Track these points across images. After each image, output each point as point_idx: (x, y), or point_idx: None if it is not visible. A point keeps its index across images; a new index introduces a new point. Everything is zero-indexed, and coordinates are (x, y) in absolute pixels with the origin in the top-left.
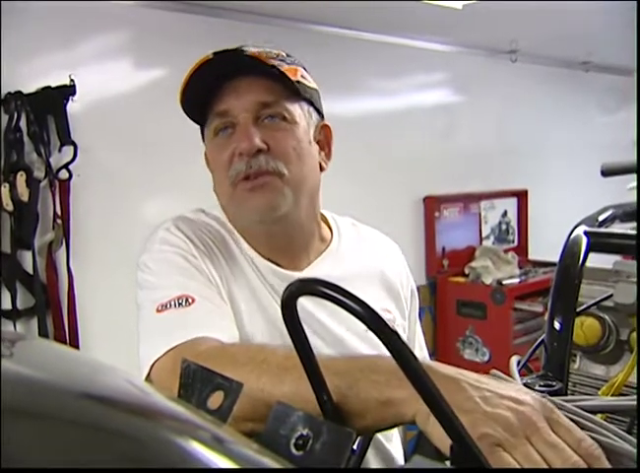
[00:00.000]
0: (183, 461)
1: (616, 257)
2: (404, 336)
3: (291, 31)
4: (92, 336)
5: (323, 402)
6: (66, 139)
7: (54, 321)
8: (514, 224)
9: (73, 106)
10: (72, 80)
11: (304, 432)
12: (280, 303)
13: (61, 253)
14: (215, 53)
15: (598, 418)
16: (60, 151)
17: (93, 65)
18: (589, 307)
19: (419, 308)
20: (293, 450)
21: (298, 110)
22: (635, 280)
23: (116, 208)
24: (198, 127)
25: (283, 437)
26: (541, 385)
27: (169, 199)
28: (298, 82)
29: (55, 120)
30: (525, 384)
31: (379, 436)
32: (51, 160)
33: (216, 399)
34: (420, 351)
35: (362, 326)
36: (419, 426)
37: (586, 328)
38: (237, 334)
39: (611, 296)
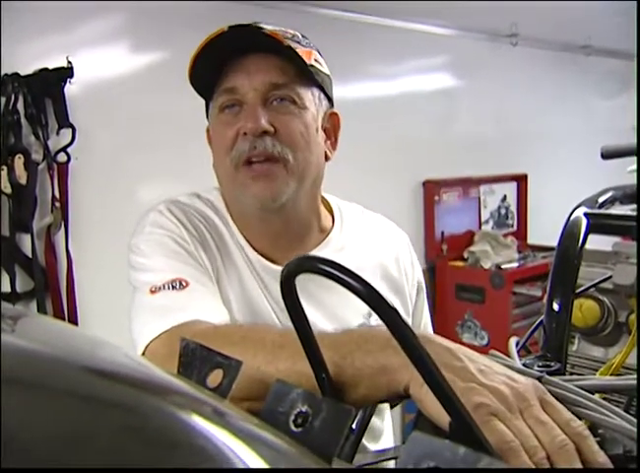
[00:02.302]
0: (185, 433)
1: (616, 239)
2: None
3: (289, 12)
4: (91, 318)
5: (321, 379)
6: (64, 122)
7: (53, 304)
8: (513, 208)
9: (71, 89)
10: (69, 62)
11: (303, 409)
12: (268, 300)
13: (60, 236)
14: (230, 27)
15: (595, 396)
16: (58, 134)
17: (91, 48)
18: (588, 289)
19: None
20: (292, 427)
21: (309, 95)
22: (634, 261)
23: (115, 191)
24: (199, 110)
25: (282, 414)
26: (539, 366)
27: (169, 182)
28: (312, 66)
29: (53, 103)
30: (524, 364)
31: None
32: (49, 142)
33: (215, 377)
34: None
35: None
36: (413, 394)
37: (585, 310)
38: (229, 318)
39: (610, 277)
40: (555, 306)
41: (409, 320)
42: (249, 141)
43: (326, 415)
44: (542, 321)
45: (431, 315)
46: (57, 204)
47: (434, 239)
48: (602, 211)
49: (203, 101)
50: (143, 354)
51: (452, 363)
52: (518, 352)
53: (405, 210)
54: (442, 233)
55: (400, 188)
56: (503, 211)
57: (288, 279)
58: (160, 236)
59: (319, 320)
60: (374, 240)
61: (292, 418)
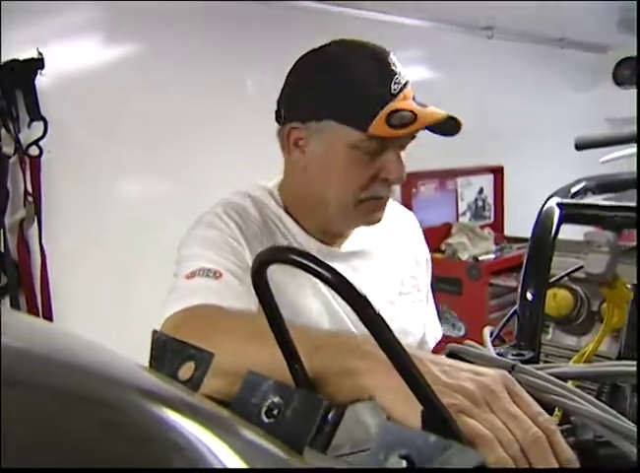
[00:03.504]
0: (155, 426)
1: (588, 229)
2: (421, 302)
3: (262, 7)
4: (65, 314)
5: (295, 371)
6: (35, 114)
7: (27, 300)
8: (490, 200)
9: (43, 82)
10: (40, 53)
11: (275, 400)
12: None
13: (33, 231)
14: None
15: (567, 384)
16: (30, 127)
17: (63, 40)
18: (560, 278)
19: None
20: (264, 418)
21: None
22: (606, 250)
23: (90, 185)
24: (173, 105)
25: (254, 405)
26: (513, 354)
27: (143, 175)
28: None
29: (24, 95)
30: (498, 354)
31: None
32: (20, 136)
33: (187, 370)
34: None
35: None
36: (377, 399)
37: (558, 300)
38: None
39: (582, 267)
40: (529, 296)
41: (426, 291)
42: (388, 189)
43: (297, 405)
44: (515, 311)
45: None
46: (30, 198)
47: None
48: (574, 201)
49: (176, 96)
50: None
51: None
52: (492, 341)
53: None
54: (420, 225)
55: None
56: (480, 203)
57: (260, 270)
58: (212, 234)
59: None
60: (392, 220)
61: (264, 409)
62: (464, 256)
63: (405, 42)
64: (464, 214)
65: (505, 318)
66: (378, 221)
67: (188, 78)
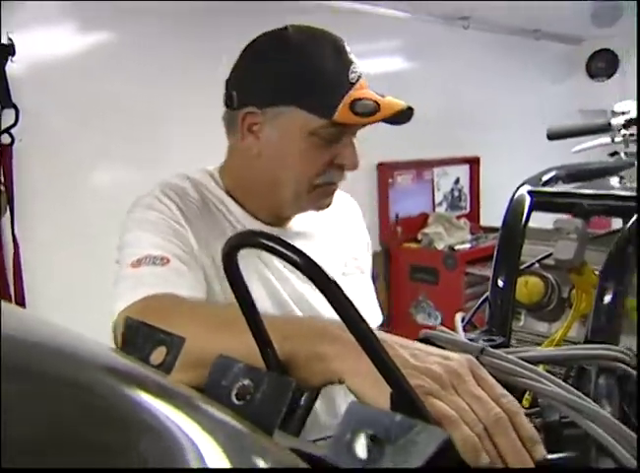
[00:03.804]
0: (128, 407)
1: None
2: (364, 284)
3: None
4: (40, 302)
5: (267, 357)
6: (6, 102)
7: (0, 289)
8: (466, 191)
9: (16, 69)
10: (10, 39)
11: (245, 382)
12: (265, 260)
13: (5, 220)
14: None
15: (534, 367)
16: (0, 114)
17: (37, 28)
18: (531, 266)
19: (373, 274)
20: (235, 400)
21: None
22: (575, 236)
23: (63, 173)
24: (148, 93)
25: (224, 388)
26: (484, 339)
27: (119, 164)
28: None
29: None
30: (469, 339)
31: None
32: None
33: (158, 355)
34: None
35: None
36: (347, 384)
37: (530, 287)
38: (205, 298)
39: (551, 254)
40: (500, 283)
41: (368, 274)
42: (341, 176)
43: (267, 388)
44: (487, 298)
45: (386, 297)
46: (2, 187)
47: (388, 222)
48: (545, 189)
49: (153, 85)
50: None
51: None
52: (464, 327)
53: (359, 192)
54: (396, 215)
55: (354, 171)
56: (456, 193)
57: (230, 254)
58: (152, 216)
59: (306, 290)
60: (336, 204)
61: (235, 391)
62: (440, 246)
63: (381, 33)
64: (440, 204)
65: (477, 305)
66: (328, 206)
67: (165, 66)
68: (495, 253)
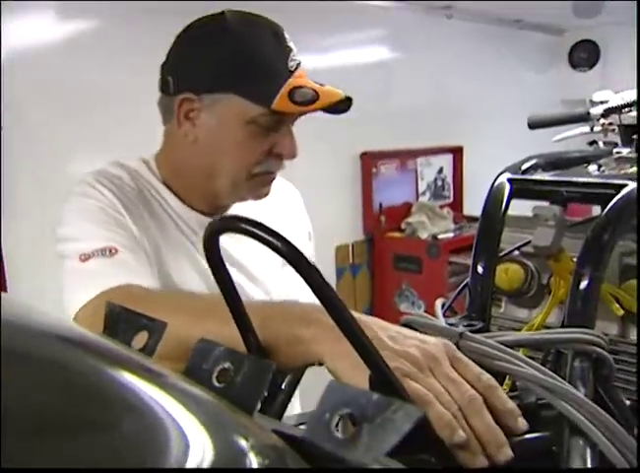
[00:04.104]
0: (114, 387)
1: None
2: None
3: None
4: (22, 293)
5: (248, 340)
6: None
7: None
8: (449, 180)
9: None
10: None
11: (226, 365)
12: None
13: None
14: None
15: (510, 350)
16: None
17: (16, 16)
18: (510, 253)
19: (355, 265)
20: (215, 383)
21: None
22: (552, 223)
23: (46, 163)
24: (129, 81)
25: (205, 371)
26: (464, 325)
27: (100, 154)
28: None
29: None
30: (449, 324)
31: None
32: None
33: (140, 339)
34: None
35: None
36: (327, 365)
37: (510, 274)
38: (158, 285)
39: (529, 242)
40: (480, 269)
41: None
42: (279, 165)
43: (247, 370)
44: (467, 284)
45: (370, 286)
46: None
47: (372, 211)
48: (524, 176)
49: (134, 73)
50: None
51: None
52: (445, 313)
53: (343, 182)
54: (380, 204)
55: (337, 161)
56: (440, 182)
57: (211, 238)
58: (89, 205)
59: (241, 280)
60: (276, 191)
61: (215, 374)
62: (423, 235)
63: (364, 23)
64: (424, 193)
65: (457, 291)
66: (266, 195)
67: (147, 55)
68: (475, 240)
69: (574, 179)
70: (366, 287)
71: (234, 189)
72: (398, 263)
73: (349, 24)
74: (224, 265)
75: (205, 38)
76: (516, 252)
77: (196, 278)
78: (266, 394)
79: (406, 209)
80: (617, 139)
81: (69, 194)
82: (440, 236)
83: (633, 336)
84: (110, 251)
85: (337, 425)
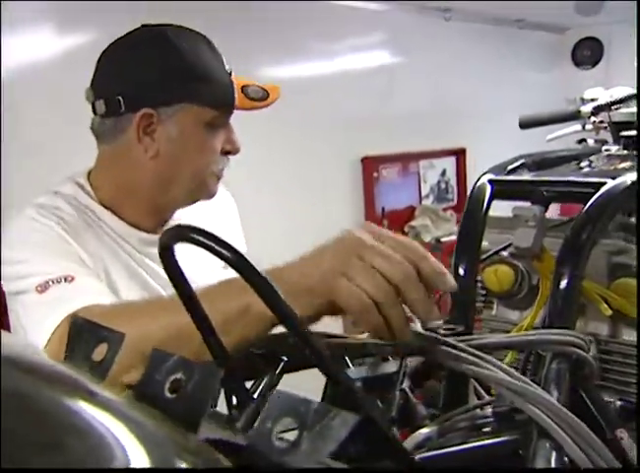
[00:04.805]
0: (54, 409)
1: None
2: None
3: None
4: None
5: (211, 345)
6: None
7: None
8: (453, 182)
9: None
10: None
11: (178, 375)
12: (147, 269)
13: None
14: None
15: (481, 353)
16: None
17: (15, 29)
18: (491, 255)
19: None
20: (167, 394)
21: None
22: (533, 224)
23: (49, 175)
24: None
25: (158, 382)
26: (444, 328)
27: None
28: None
29: None
30: (427, 328)
31: None
32: None
33: (100, 351)
34: None
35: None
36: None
37: (500, 275)
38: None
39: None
40: (461, 271)
41: None
42: (227, 161)
43: (197, 378)
44: None
45: None
46: None
47: (375, 216)
48: (505, 177)
49: None
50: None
51: (290, 277)
52: None
53: (344, 187)
54: (383, 209)
55: (338, 166)
56: (443, 185)
57: (167, 249)
58: (35, 238)
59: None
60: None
61: (168, 385)
62: (427, 238)
63: (363, 27)
64: (427, 196)
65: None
66: (215, 194)
67: None
68: (457, 242)
69: (554, 179)
70: None
71: (193, 193)
72: None
73: (346, 29)
74: (184, 275)
75: (149, 54)
76: (505, 253)
77: (145, 295)
78: (234, 401)
79: (409, 213)
80: (609, 136)
81: (7, 232)
82: (444, 239)
83: (625, 336)
84: (66, 279)
85: (277, 433)
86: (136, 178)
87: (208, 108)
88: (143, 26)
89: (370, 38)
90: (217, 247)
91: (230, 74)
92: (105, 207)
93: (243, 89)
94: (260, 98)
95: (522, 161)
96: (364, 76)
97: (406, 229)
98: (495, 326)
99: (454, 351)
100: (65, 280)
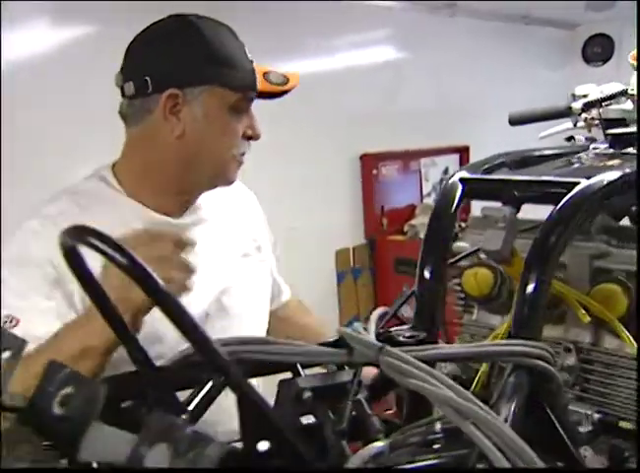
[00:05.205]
0: None
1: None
2: (264, 262)
3: None
4: None
5: (126, 338)
6: None
7: None
8: None
9: None
10: None
11: (69, 389)
12: None
13: None
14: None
15: (426, 366)
16: None
17: (10, 26)
18: (459, 260)
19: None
20: (56, 409)
21: None
22: (503, 225)
23: (44, 171)
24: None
25: (49, 394)
26: (405, 336)
27: (99, 161)
28: None
29: None
30: (389, 335)
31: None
32: None
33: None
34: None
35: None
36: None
37: (479, 278)
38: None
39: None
40: (427, 275)
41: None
42: (248, 146)
43: (85, 393)
44: (414, 290)
45: (372, 291)
46: None
47: (374, 214)
48: (477, 175)
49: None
50: None
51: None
52: (386, 322)
53: (343, 185)
54: (382, 207)
55: (337, 163)
56: None
57: (69, 253)
58: (21, 267)
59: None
60: (232, 191)
61: (58, 399)
62: None
63: (367, 23)
64: (429, 195)
65: (403, 299)
66: (234, 180)
67: None
68: (423, 243)
69: (526, 179)
70: (368, 291)
71: (214, 176)
72: (399, 266)
73: (351, 25)
74: (92, 275)
75: (176, 38)
76: (483, 256)
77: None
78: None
79: (410, 211)
80: (601, 134)
81: (7, 242)
82: None
83: (607, 344)
84: (12, 321)
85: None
86: (162, 158)
87: (231, 91)
88: (170, 16)
89: (374, 35)
90: (109, 251)
91: (252, 61)
92: (130, 196)
93: (264, 75)
94: (281, 83)
95: (501, 159)
96: (368, 72)
97: (405, 228)
98: (475, 331)
99: (399, 363)
100: (10, 322)
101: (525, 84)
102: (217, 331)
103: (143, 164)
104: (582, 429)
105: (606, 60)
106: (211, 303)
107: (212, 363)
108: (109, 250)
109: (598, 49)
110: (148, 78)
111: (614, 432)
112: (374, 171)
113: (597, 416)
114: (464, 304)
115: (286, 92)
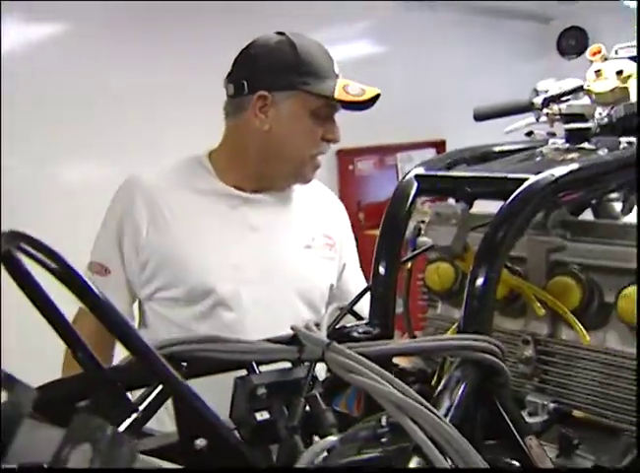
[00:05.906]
0: None
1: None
2: (331, 261)
3: None
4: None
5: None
6: None
7: None
8: None
9: None
10: None
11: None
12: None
13: None
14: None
15: (370, 363)
16: None
17: (14, 18)
18: (413, 257)
19: None
20: None
21: None
22: (455, 222)
23: (23, 168)
24: (106, 84)
25: None
26: (359, 332)
27: (80, 159)
28: None
29: None
30: (346, 332)
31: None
32: None
33: None
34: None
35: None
36: None
37: (440, 273)
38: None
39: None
40: (381, 271)
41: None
42: (327, 148)
43: (13, 398)
44: (369, 286)
45: None
46: None
47: (351, 209)
48: (430, 173)
49: (112, 75)
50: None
51: None
52: (340, 319)
53: (319, 180)
54: (359, 202)
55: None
56: None
57: (8, 256)
58: (110, 215)
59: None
60: (312, 188)
61: None
62: None
63: (344, 18)
64: None
65: (357, 295)
66: (311, 180)
67: (124, 56)
68: (378, 239)
69: (478, 175)
70: None
71: (292, 173)
72: None
73: (327, 19)
74: (31, 275)
75: (272, 49)
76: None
77: (230, 235)
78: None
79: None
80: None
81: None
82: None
83: (564, 336)
84: (106, 270)
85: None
86: (249, 145)
87: (313, 98)
88: (275, 32)
89: (349, 29)
90: (40, 257)
91: (337, 76)
92: (219, 178)
93: (344, 87)
94: (357, 94)
95: (460, 154)
96: (344, 67)
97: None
98: (440, 325)
99: (344, 359)
100: (105, 271)
101: (501, 77)
102: (244, 303)
103: (232, 149)
104: (537, 418)
105: (580, 53)
106: (254, 273)
107: (148, 367)
108: (41, 256)
109: (572, 42)
110: (245, 81)
111: (568, 421)
112: (350, 167)
113: (552, 406)
114: (428, 299)
115: (366, 102)
